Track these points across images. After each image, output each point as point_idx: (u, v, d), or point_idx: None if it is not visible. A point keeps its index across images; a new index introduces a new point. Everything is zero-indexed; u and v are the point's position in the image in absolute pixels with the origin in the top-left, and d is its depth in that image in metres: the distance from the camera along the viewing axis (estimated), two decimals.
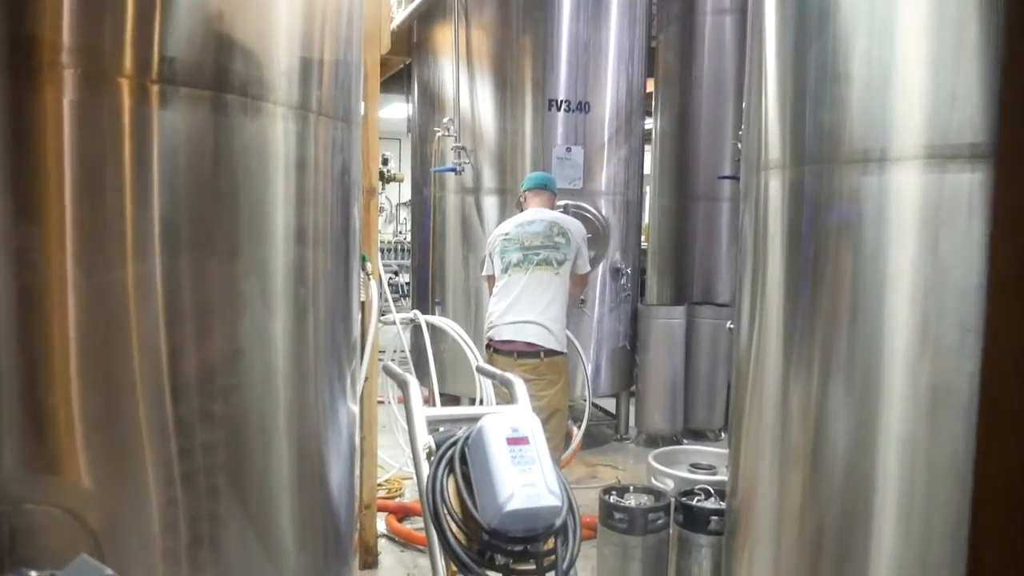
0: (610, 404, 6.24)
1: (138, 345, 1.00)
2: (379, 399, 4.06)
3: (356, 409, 1.90)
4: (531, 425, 1.98)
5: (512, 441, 1.92)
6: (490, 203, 5.49)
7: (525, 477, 1.87)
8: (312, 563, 1.49)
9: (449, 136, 5.46)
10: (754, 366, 2.19)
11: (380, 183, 3.70)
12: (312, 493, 1.45)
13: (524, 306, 4.02)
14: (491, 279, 4.29)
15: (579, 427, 5.23)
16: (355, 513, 1.88)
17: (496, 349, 4.06)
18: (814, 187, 1.86)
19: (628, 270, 5.74)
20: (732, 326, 2.57)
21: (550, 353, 4.01)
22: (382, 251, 9.76)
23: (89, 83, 0.90)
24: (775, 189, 2.02)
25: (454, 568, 1.92)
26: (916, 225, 1.68)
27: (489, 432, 1.93)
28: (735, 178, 5.69)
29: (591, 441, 5.34)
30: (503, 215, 5.36)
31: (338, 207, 1.36)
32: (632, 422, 6.03)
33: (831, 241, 1.84)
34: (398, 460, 4.58)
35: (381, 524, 4.00)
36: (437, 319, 4.03)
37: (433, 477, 1.98)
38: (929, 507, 1.66)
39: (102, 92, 0.91)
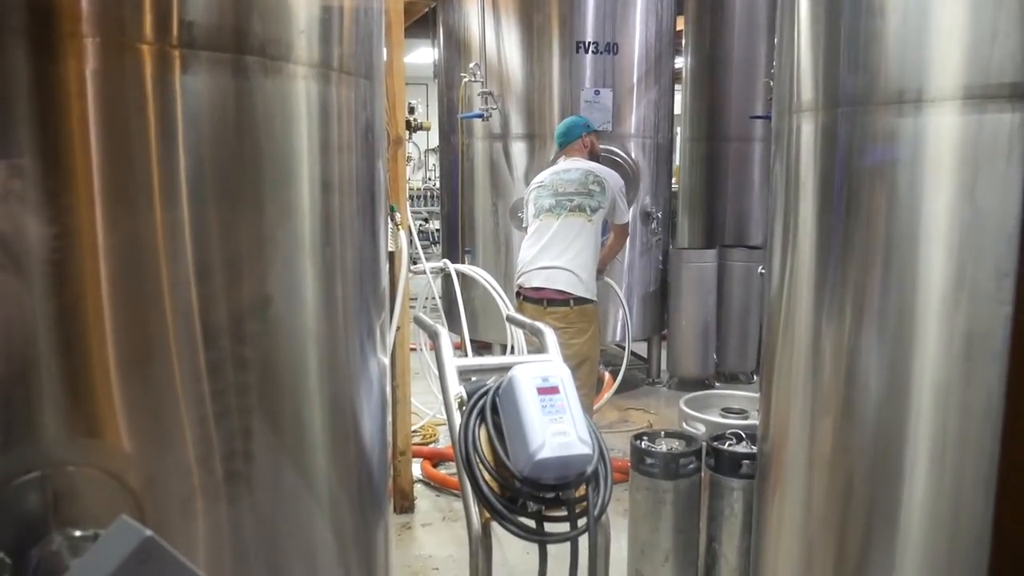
0: (641, 348, 6.26)
1: (170, 297, 1.01)
2: (411, 346, 4.11)
3: (387, 359, 1.93)
4: (561, 375, 2.00)
5: (543, 391, 1.94)
6: (518, 149, 5.45)
7: (556, 426, 1.89)
8: (348, 504, 1.53)
9: (476, 81, 5.41)
10: (785, 311, 2.17)
11: (407, 132, 3.69)
12: (345, 435, 1.48)
13: (555, 252, 4.01)
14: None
15: (612, 373, 5.26)
16: (389, 458, 1.92)
17: (526, 297, 4.07)
18: (847, 130, 1.82)
19: (659, 214, 5.70)
20: (763, 271, 2.55)
21: (580, 301, 4.01)
22: (411, 199, 9.74)
23: (110, 51, 0.90)
24: (807, 133, 1.97)
25: (487, 514, 1.97)
26: (953, 168, 1.63)
27: (520, 382, 1.95)
28: (767, 118, 5.56)
29: (623, 385, 5.38)
30: (532, 161, 5.33)
31: (363, 165, 1.35)
32: (663, 366, 6.05)
33: (865, 185, 1.80)
34: (431, 407, 4.66)
35: (417, 470, 4.09)
36: (467, 268, 4.04)
37: (465, 426, 2.01)
38: (962, 454, 1.65)
39: (124, 60, 0.91)
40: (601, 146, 5.18)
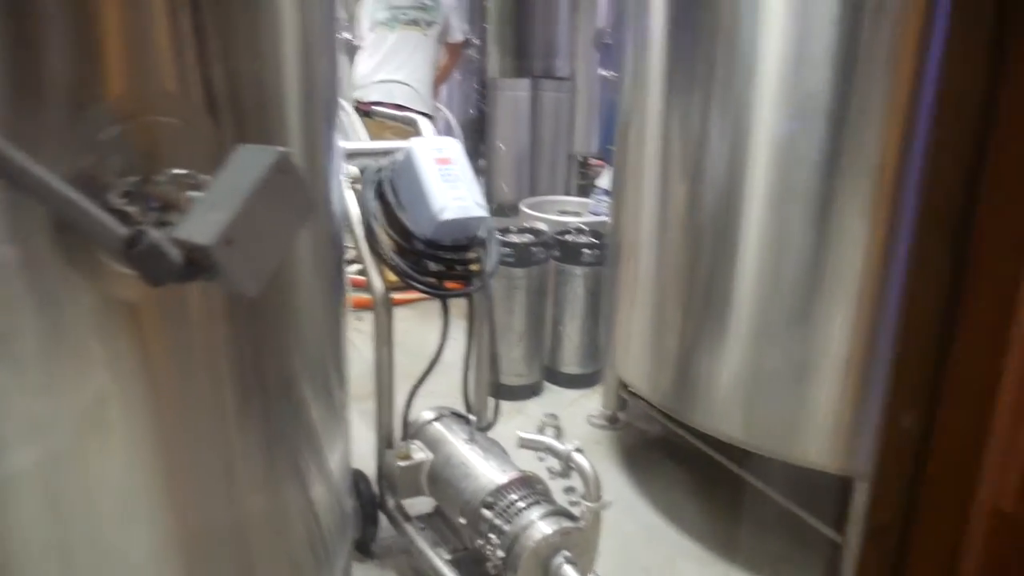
0: None
1: None
2: None
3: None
4: (453, 147, 2.16)
5: (440, 160, 2.10)
6: None
7: (455, 192, 2.07)
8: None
9: None
10: (636, 94, 2.44)
11: None
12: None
13: (392, 66, 4.04)
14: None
15: None
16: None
17: (364, 112, 4.09)
18: None
19: (476, 40, 5.77)
20: (612, 73, 2.80)
21: (419, 115, 4.09)
22: None
23: None
24: None
25: (391, 278, 2.13)
26: None
27: (418, 153, 2.09)
28: None
29: None
30: None
31: None
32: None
33: None
34: None
35: None
36: None
37: (364, 198, 2.13)
38: (791, 198, 2.01)
39: None
40: None
